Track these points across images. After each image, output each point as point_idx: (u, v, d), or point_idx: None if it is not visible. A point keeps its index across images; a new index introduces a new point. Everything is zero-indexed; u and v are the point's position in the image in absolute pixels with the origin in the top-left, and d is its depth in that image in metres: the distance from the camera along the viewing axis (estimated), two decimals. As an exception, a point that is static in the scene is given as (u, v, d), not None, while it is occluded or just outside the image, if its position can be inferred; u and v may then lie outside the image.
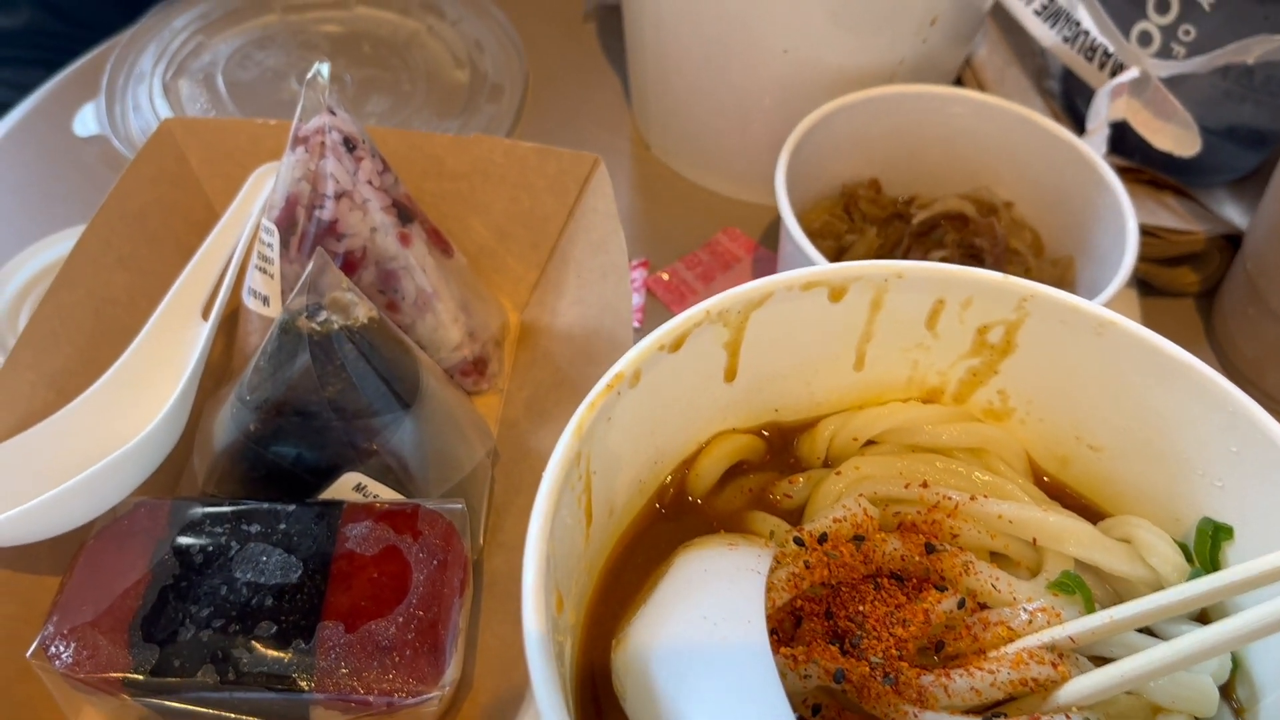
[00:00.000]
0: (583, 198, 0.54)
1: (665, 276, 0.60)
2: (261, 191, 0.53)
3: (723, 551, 0.34)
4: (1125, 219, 0.50)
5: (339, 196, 0.47)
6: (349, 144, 0.47)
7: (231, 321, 0.53)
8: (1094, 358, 0.36)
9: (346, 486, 0.44)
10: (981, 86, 0.66)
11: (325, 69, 0.46)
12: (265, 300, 0.49)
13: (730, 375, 0.37)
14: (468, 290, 0.53)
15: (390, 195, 0.49)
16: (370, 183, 0.48)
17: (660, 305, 0.59)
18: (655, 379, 0.35)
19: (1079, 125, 0.69)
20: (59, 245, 0.58)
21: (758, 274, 0.60)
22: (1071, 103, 0.69)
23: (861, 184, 0.57)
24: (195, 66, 0.67)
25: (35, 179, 0.62)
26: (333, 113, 0.47)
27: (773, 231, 0.63)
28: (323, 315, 0.43)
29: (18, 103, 0.68)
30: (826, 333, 0.38)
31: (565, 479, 0.31)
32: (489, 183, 0.55)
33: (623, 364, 0.33)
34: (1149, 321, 0.59)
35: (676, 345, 0.35)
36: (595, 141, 0.67)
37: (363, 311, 0.44)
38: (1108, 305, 0.47)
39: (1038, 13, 0.67)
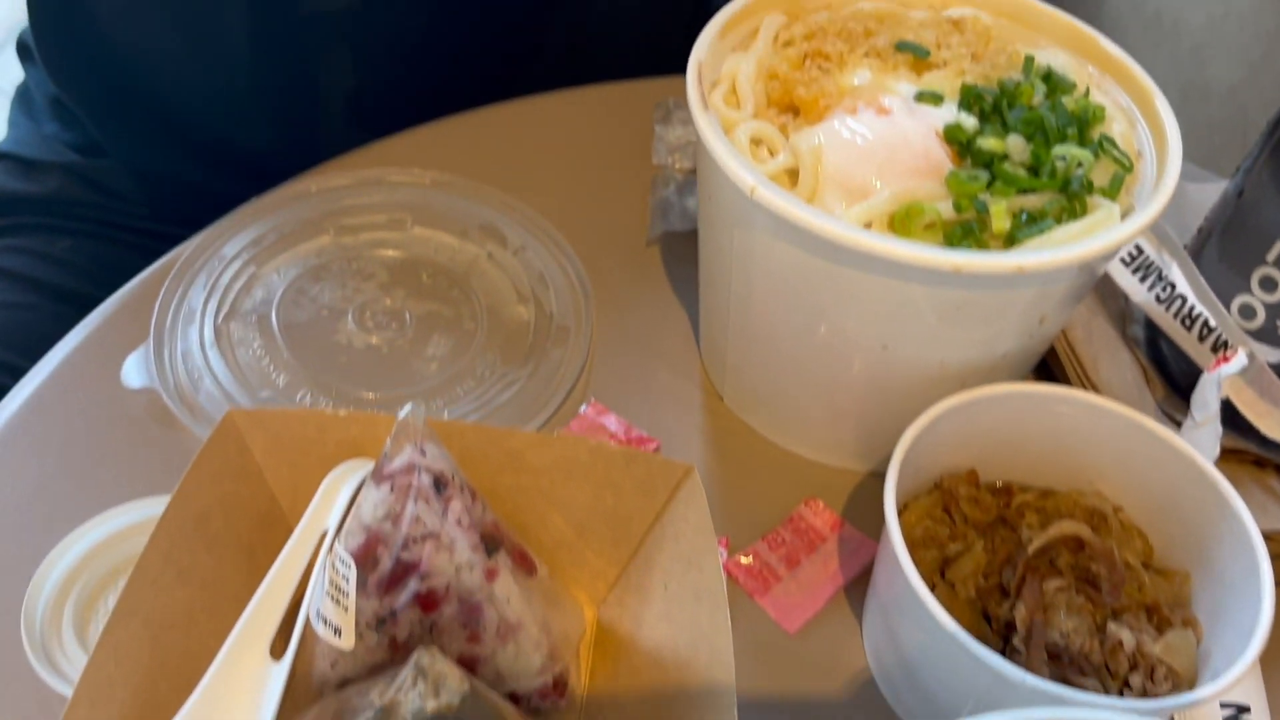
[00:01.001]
0: (672, 504, 0.51)
1: (747, 560, 0.57)
2: (334, 502, 0.49)
3: None
4: (1257, 560, 0.47)
5: (425, 538, 0.44)
6: (439, 484, 0.44)
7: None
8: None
9: None
10: (1070, 345, 0.64)
11: (421, 412, 0.43)
12: (337, 631, 0.46)
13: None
14: (549, 605, 0.50)
15: (478, 529, 0.45)
16: (459, 522, 0.44)
17: (743, 593, 0.56)
18: None
19: (1165, 374, 0.66)
20: (103, 526, 0.54)
21: (844, 558, 0.57)
22: (1157, 352, 0.67)
23: (960, 478, 0.54)
24: (247, 305, 0.64)
25: (81, 440, 0.59)
26: (423, 452, 0.44)
27: (857, 504, 0.60)
28: (416, 700, 0.40)
29: (60, 331, 0.65)
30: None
31: None
32: (571, 480, 0.52)
33: None
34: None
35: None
36: (666, 390, 0.64)
37: (455, 685, 0.41)
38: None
39: (1125, 262, 0.65)
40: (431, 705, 0.40)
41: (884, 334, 0.52)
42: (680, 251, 0.71)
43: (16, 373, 0.64)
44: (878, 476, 0.61)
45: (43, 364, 0.63)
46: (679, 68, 0.90)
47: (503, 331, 0.65)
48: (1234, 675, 0.43)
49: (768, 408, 0.61)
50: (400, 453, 0.45)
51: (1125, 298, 0.67)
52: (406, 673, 0.40)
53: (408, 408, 0.44)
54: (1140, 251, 0.64)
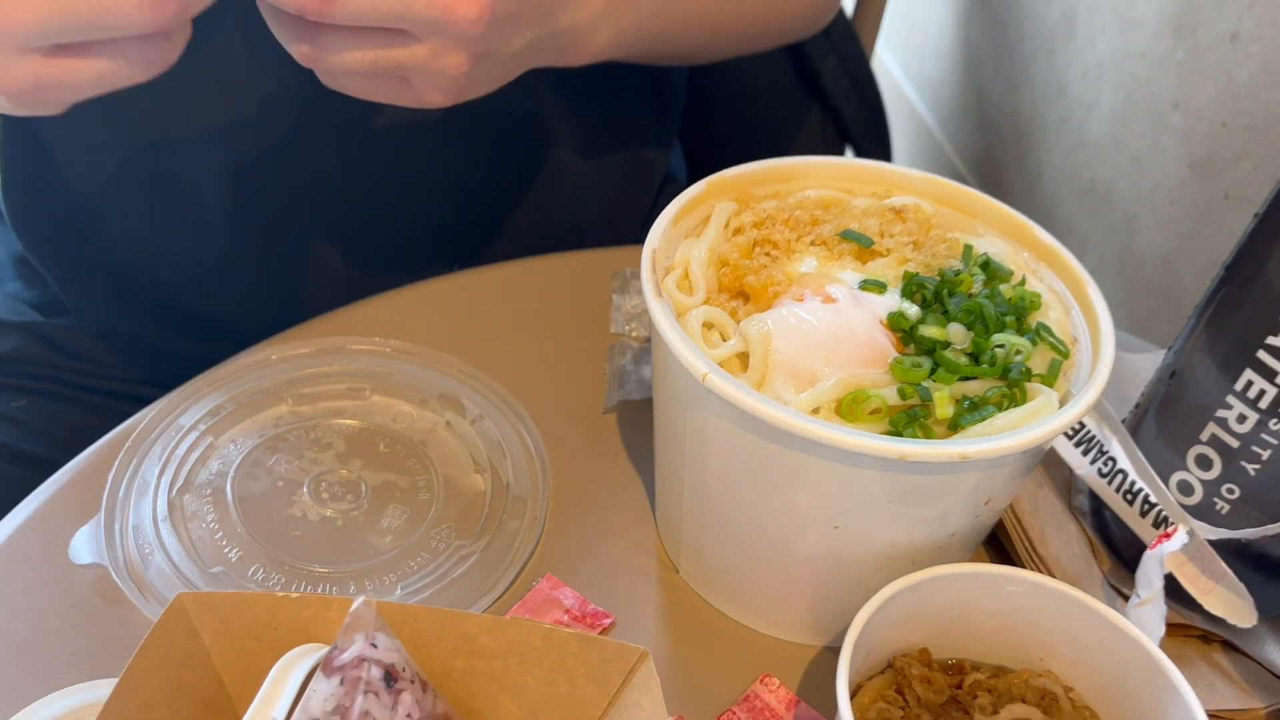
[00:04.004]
0: (626, 690, 0.50)
1: (702, 742, 0.56)
2: (283, 689, 0.48)
3: None
4: (1206, 748, 0.47)
5: (374, 734, 0.43)
6: (389, 677, 0.44)
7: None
8: None
9: None
10: (1018, 518, 0.65)
11: (373, 604, 0.43)
12: (282, 829, 0.44)
13: None
14: (500, 796, 0.49)
15: (428, 722, 0.45)
16: (409, 716, 0.44)
17: (698, 778, 0.55)
18: None
19: (1110, 545, 0.67)
20: (47, 710, 0.53)
21: (800, 739, 0.57)
22: (1102, 523, 0.68)
23: (913, 657, 0.55)
24: (203, 478, 0.64)
25: (26, 618, 0.58)
26: (374, 644, 0.44)
27: (813, 680, 0.60)
28: None
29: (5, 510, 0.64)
30: None
31: None
32: (524, 664, 0.51)
33: None
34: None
35: None
36: (622, 563, 0.65)
37: None
38: None
39: (1069, 436, 0.67)
40: None
41: (835, 515, 0.53)
42: (637, 420, 0.73)
43: None
44: (833, 651, 0.61)
45: (-11, 538, 0.62)
46: (637, 238, 0.93)
47: (458, 502, 0.66)
48: None
49: (723, 582, 0.62)
50: (351, 644, 0.44)
51: (1070, 469, 0.69)
52: None
53: (359, 601, 0.44)
54: (1083, 426, 0.66)
